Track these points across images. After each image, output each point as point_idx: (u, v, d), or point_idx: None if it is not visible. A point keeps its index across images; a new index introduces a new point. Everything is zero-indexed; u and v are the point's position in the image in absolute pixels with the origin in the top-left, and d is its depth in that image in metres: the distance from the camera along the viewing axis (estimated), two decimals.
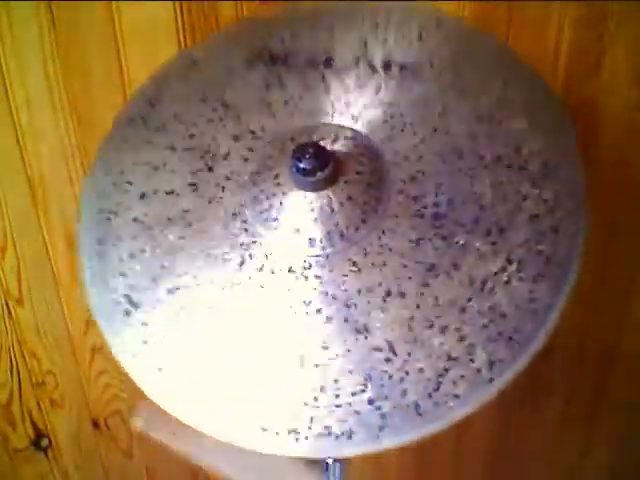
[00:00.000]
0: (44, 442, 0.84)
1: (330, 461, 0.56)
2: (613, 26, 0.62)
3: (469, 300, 0.44)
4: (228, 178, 0.52)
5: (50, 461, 0.85)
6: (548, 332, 0.43)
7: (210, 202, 0.52)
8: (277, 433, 0.43)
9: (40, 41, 0.63)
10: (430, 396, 0.42)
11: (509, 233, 0.46)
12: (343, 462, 0.56)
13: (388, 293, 0.45)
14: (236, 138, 0.53)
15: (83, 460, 0.87)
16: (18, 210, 0.70)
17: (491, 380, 0.42)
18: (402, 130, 0.51)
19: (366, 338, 0.44)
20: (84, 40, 0.64)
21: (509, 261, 0.45)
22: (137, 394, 0.47)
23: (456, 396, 0.42)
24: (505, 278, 0.45)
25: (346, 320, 0.45)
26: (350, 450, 0.42)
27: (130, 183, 0.54)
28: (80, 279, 0.51)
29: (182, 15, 0.63)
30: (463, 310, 0.44)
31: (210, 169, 0.53)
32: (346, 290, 0.46)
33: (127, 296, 0.49)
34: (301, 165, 0.47)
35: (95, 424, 0.85)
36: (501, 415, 0.89)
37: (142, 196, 0.53)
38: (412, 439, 0.42)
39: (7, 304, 0.74)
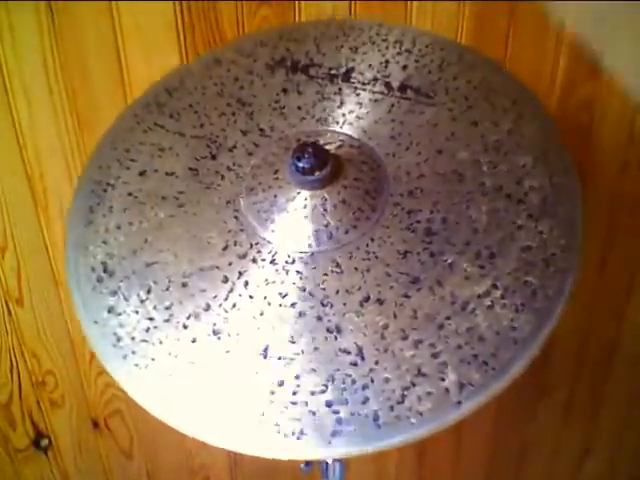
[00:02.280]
0: (44, 442, 0.83)
1: (330, 461, 0.53)
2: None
3: (448, 318, 0.43)
4: (229, 168, 0.52)
5: (50, 461, 0.84)
6: (524, 363, 0.41)
7: (207, 188, 0.51)
8: (223, 422, 0.41)
9: (40, 41, 0.62)
10: (392, 408, 0.40)
11: (499, 259, 0.45)
12: (343, 462, 0.53)
13: (367, 298, 0.44)
14: (244, 133, 0.54)
15: (83, 460, 0.85)
16: (18, 210, 0.70)
17: (458, 403, 0.40)
18: (407, 148, 0.51)
19: (336, 339, 0.43)
20: (84, 40, 0.63)
21: (495, 287, 0.44)
22: None
23: (419, 413, 0.40)
24: (488, 302, 0.43)
25: (319, 318, 0.44)
26: (297, 452, 0.40)
27: (133, 161, 0.54)
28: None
29: (182, 15, 0.64)
30: (440, 327, 0.42)
31: (213, 157, 0.53)
32: (324, 289, 0.45)
33: (104, 263, 0.48)
34: (300, 164, 0.47)
35: (95, 424, 0.84)
36: (501, 415, 0.86)
37: (141, 173, 0.53)
38: (365, 450, 0.39)
39: (7, 304, 0.73)
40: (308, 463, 0.56)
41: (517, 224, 0.46)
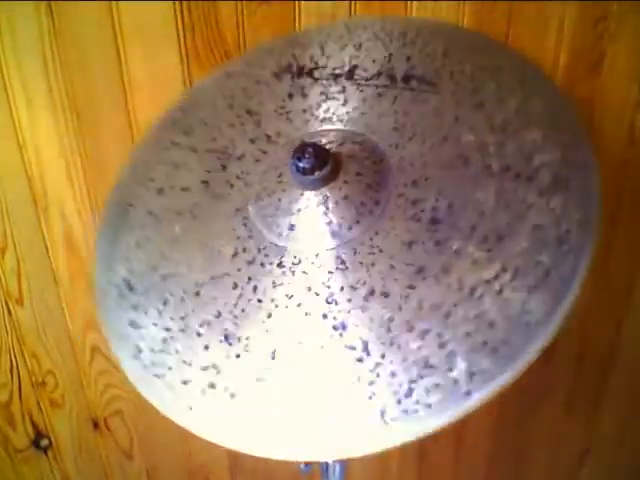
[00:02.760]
0: (44, 442, 0.82)
1: (330, 461, 0.53)
2: (613, 26, 0.61)
3: (455, 306, 0.41)
4: (238, 177, 0.53)
5: (50, 461, 0.83)
6: (540, 348, 0.39)
7: (218, 198, 0.53)
8: (236, 424, 0.41)
9: (40, 41, 0.62)
10: (399, 402, 0.39)
11: (507, 241, 0.43)
12: (343, 462, 0.52)
13: (371, 292, 0.43)
14: (252, 141, 0.55)
15: (83, 460, 0.85)
16: (18, 210, 0.69)
17: (468, 393, 0.38)
18: (411, 138, 0.50)
19: (341, 335, 0.42)
20: (84, 40, 0.63)
21: (504, 269, 0.42)
22: (136, 394, 0.46)
23: (428, 405, 0.38)
24: (497, 287, 0.41)
25: (325, 316, 0.43)
26: (301, 454, 0.39)
27: (152, 180, 0.56)
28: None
29: (182, 15, 0.64)
30: (447, 315, 0.41)
31: (224, 168, 0.54)
32: (329, 287, 0.44)
33: (126, 280, 0.50)
34: (300, 164, 0.48)
35: (95, 424, 0.83)
36: (501, 415, 0.84)
37: (160, 191, 0.55)
38: (374, 448, 0.38)
39: (7, 304, 0.73)
40: (308, 463, 0.56)
41: (527, 203, 0.44)
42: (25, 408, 0.79)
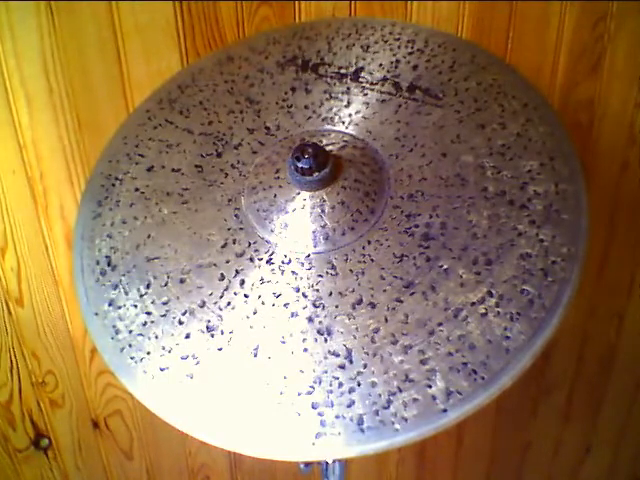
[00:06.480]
0: (44, 442, 0.83)
1: (330, 461, 0.54)
2: (613, 26, 0.62)
3: (439, 324, 0.42)
4: (233, 166, 0.53)
5: (50, 461, 0.84)
6: (515, 373, 0.40)
7: (210, 185, 0.52)
8: (210, 417, 0.41)
9: (40, 41, 0.62)
10: (377, 413, 0.40)
11: (495, 266, 0.44)
12: (343, 462, 0.53)
13: (359, 301, 0.44)
14: (251, 131, 0.54)
15: (83, 460, 0.85)
16: (18, 210, 0.69)
17: (444, 410, 0.39)
18: (411, 150, 0.50)
19: (326, 341, 0.43)
20: (84, 40, 0.63)
21: (490, 294, 0.43)
22: None
23: (404, 419, 0.39)
24: (482, 310, 0.42)
25: (310, 319, 0.44)
26: (279, 453, 0.40)
27: (142, 156, 0.55)
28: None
29: (182, 15, 0.64)
30: (431, 333, 0.42)
31: (219, 155, 0.53)
32: (318, 290, 0.45)
33: (107, 257, 0.49)
34: (299, 164, 0.47)
35: (95, 424, 0.84)
36: (501, 415, 0.87)
37: (149, 169, 0.54)
38: (348, 454, 0.39)
39: (7, 304, 0.73)
40: (308, 463, 0.56)
41: (518, 230, 0.45)
42: (25, 408, 0.79)
